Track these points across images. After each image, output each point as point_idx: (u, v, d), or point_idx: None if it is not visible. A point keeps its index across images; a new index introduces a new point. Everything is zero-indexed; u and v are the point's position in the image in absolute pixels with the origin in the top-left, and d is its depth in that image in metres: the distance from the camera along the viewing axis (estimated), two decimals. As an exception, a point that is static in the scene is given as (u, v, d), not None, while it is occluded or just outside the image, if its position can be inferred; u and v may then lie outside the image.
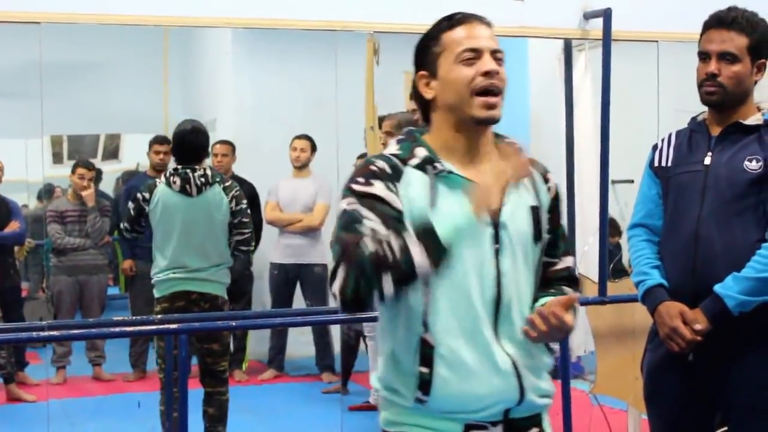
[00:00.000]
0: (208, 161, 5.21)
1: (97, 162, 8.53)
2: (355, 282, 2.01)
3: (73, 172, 7.02)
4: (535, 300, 2.20)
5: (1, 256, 6.75)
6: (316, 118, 6.68)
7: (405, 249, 1.97)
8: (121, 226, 4.98)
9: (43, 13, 4.05)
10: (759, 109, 3.04)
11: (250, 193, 6.12)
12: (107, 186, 8.79)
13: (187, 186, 4.84)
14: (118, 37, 6.34)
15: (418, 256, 1.97)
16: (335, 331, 6.89)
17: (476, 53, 2.14)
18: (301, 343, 7.21)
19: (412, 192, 2.11)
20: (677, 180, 3.05)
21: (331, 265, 2.09)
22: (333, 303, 6.68)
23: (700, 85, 3.00)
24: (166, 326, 4.36)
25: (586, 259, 4.73)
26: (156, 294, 4.90)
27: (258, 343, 7.37)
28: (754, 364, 2.94)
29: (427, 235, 1.98)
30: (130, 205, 4.96)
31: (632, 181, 3.10)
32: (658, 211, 3.12)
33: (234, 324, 4.97)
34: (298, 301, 7.01)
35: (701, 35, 3.02)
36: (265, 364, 7.29)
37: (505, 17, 4.15)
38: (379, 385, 2.22)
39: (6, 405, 6.53)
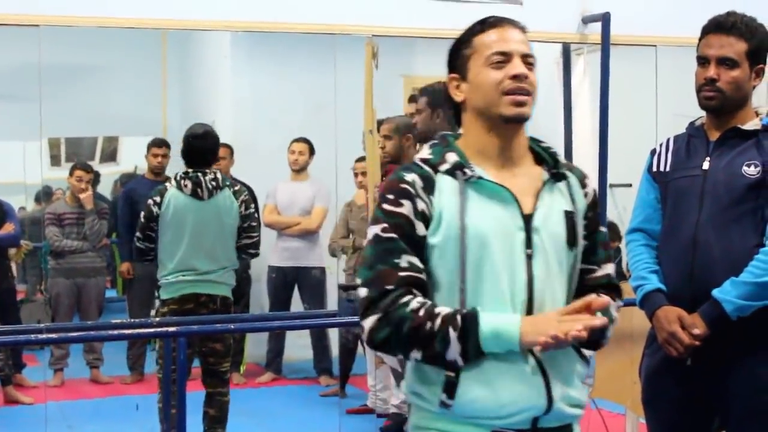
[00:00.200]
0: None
1: (95, 164, 8.51)
2: (388, 335, 2.05)
3: (71, 174, 7.01)
4: None
5: (-3, 258, 6.73)
6: (315, 121, 6.69)
7: (445, 338, 2.01)
8: (134, 239, 4.96)
9: (42, 16, 4.06)
10: (757, 114, 3.03)
11: (248, 196, 6.12)
12: (105, 188, 8.77)
13: (199, 190, 4.87)
14: (117, 39, 6.34)
15: (454, 351, 2.01)
16: (333, 334, 6.88)
17: (506, 56, 2.13)
18: (298, 346, 7.21)
19: (444, 199, 2.09)
20: (675, 185, 3.05)
21: (362, 291, 2.09)
22: (331, 306, 6.62)
23: (698, 90, 3.00)
24: (165, 329, 4.36)
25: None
26: (163, 296, 4.91)
27: (256, 346, 7.36)
28: (753, 367, 2.94)
29: (470, 327, 2.00)
30: (141, 213, 4.94)
31: (630, 185, 3.11)
32: (656, 216, 3.12)
33: (232, 327, 4.97)
34: (296, 304, 7.01)
35: (700, 40, 3.02)
36: (262, 367, 7.28)
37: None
38: (406, 391, 2.21)
39: (3, 407, 6.52)
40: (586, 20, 4.88)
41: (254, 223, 5.07)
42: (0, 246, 6.72)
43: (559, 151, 2.34)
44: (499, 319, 2.03)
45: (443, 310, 2.04)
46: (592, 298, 2.07)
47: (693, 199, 2.99)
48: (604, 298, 2.11)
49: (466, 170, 2.11)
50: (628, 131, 5.28)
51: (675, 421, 3.09)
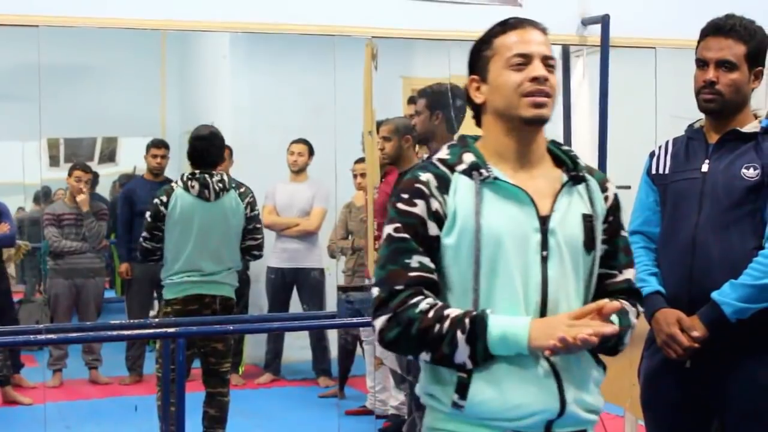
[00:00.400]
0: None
1: (94, 165, 8.50)
2: (397, 336, 2.05)
3: (70, 175, 7.01)
4: None
5: (-9, 258, 6.73)
6: (314, 122, 6.69)
7: (453, 341, 2.01)
8: (141, 239, 4.95)
9: (41, 16, 4.06)
10: (756, 117, 3.04)
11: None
12: (104, 189, 8.77)
13: (206, 191, 4.88)
14: (116, 40, 6.34)
15: (463, 354, 2.02)
16: (332, 335, 6.88)
17: (526, 59, 2.12)
18: (297, 348, 7.21)
19: (459, 199, 2.09)
20: (675, 187, 3.05)
21: (374, 290, 2.10)
22: (329, 307, 6.62)
23: (697, 93, 3.00)
24: (164, 330, 4.36)
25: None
26: (167, 296, 4.91)
27: (254, 347, 7.36)
28: (751, 370, 2.93)
29: (479, 330, 2.00)
30: (147, 213, 4.94)
31: (629, 187, 3.10)
32: (655, 219, 3.12)
33: (231, 328, 4.97)
34: (295, 305, 7.01)
35: (699, 42, 3.02)
36: (261, 368, 7.28)
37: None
38: (419, 392, 2.20)
39: (1, 408, 6.51)
40: (586, 22, 4.87)
41: (259, 225, 5.10)
42: (-5, 246, 6.72)
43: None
44: (507, 322, 2.02)
45: (452, 311, 2.04)
46: (604, 302, 2.05)
47: (692, 201, 2.99)
48: (616, 303, 2.08)
49: (483, 171, 2.10)
50: (627, 133, 5.28)
51: (674, 423, 3.09)
